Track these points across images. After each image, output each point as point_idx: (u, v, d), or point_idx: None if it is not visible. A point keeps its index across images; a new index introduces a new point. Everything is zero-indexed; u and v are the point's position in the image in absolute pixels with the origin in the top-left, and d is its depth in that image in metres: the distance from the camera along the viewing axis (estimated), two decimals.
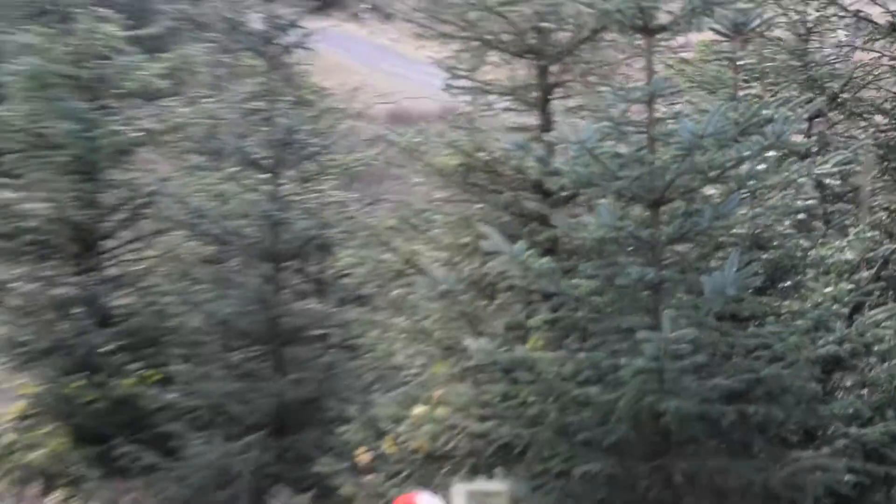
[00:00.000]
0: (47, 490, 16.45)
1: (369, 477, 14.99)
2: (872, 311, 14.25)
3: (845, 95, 18.66)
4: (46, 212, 21.09)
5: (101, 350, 20.19)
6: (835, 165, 15.31)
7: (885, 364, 14.16)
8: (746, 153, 13.27)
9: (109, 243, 21.46)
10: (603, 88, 14.63)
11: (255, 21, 20.87)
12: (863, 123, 19.23)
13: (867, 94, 19.29)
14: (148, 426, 18.93)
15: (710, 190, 13.73)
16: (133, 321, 20.37)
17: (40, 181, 21.25)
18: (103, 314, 20.59)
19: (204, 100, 21.65)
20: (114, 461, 18.67)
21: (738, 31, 15.68)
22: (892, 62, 19.39)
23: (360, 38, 52.92)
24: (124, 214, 21.37)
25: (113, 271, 21.29)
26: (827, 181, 16.09)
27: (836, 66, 19.19)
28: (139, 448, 18.53)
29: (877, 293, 14.89)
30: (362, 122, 20.83)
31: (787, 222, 14.54)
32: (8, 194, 21.13)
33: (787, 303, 13.94)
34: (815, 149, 17.10)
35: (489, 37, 15.59)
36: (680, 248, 13.54)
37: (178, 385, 19.03)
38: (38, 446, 19.08)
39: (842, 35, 19.65)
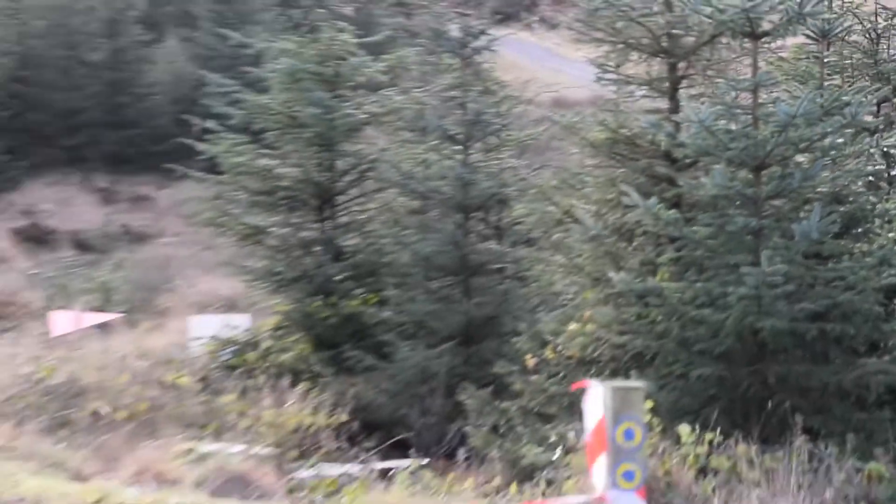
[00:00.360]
0: (294, 383, 16.42)
1: (534, 377, 14.92)
2: None
3: None
4: (296, 174, 21.08)
5: (334, 278, 20.17)
6: None
7: None
8: (829, 129, 13.21)
9: (341, 198, 21.40)
10: (718, 80, 14.56)
11: (454, 30, 20.70)
12: None
13: None
14: (368, 336, 18.94)
15: (800, 158, 13.61)
16: (358, 257, 20.32)
17: (292, 151, 21.25)
18: (336, 251, 20.56)
19: (413, 90, 21.52)
20: (343, 362, 18.68)
21: (824, 36, 15.49)
22: None
23: (531, 42, 52.69)
24: (353, 176, 21.32)
25: (344, 219, 21.25)
26: (892, 151, 15.88)
27: None
28: (361, 353, 18.52)
29: None
30: (532, 107, 20.56)
31: (859, 183, 14.45)
32: (269, 161, 21.13)
33: (858, 245, 13.77)
34: (882, 126, 16.77)
35: (632, 41, 15.49)
36: (776, 202, 13.45)
37: (391, 305, 19.02)
38: (287, 350, 19.10)
39: None
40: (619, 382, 5.68)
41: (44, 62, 55.12)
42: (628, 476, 5.44)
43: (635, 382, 5.61)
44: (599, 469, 5.29)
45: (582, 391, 6.10)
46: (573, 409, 12.77)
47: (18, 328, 28.97)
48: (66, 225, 50.52)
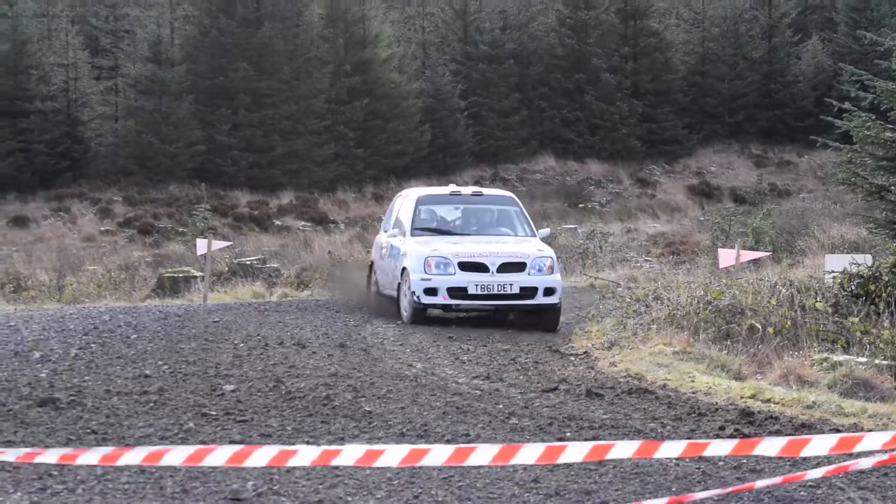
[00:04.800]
0: None
1: None
2: None
3: None
4: None
5: None
6: None
7: None
8: None
9: None
10: None
11: None
12: None
13: None
14: None
15: None
16: None
17: None
18: None
19: None
20: None
21: None
22: None
23: None
24: None
25: None
26: None
27: None
28: None
29: None
30: None
31: None
32: (892, 134, 20.19)
33: None
34: None
35: None
36: None
37: None
38: None
39: None
40: None
41: (717, 59, 56.95)
42: None
43: None
44: None
45: None
46: None
47: (691, 261, 29.30)
48: (727, 183, 51.04)
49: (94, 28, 52.30)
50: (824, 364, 13.55)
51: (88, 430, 10.04)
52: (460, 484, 8.40)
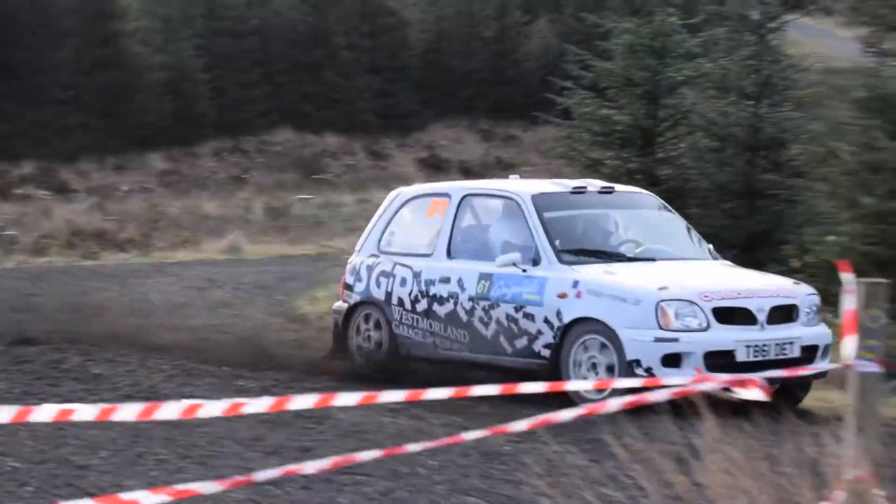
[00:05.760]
0: None
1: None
2: None
3: None
4: (627, 120, 20.80)
5: None
6: None
7: None
8: None
9: (660, 139, 21.06)
10: None
11: (755, 14, 19.92)
12: None
13: None
14: None
15: None
16: (670, 183, 19.89)
17: (626, 104, 20.99)
18: (654, 179, 20.27)
19: (720, 59, 20.92)
20: None
21: None
22: None
23: (810, 25, 50.44)
24: (670, 123, 20.90)
25: (661, 155, 20.86)
26: None
27: None
28: None
29: None
30: (808, 73, 19.81)
31: None
32: (607, 111, 20.92)
33: None
34: None
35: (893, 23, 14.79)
36: None
37: (692, 220, 18.55)
38: None
39: None
40: (869, 279, 5.43)
41: (451, 37, 57.60)
42: (871, 349, 5.33)
43: (881, 280, 5.37)
44: (849, 343, 5.17)
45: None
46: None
47: None
48: (456, 156, 51.83)
49: None
50: None
51: None
52: (183, 443, 8.35)
